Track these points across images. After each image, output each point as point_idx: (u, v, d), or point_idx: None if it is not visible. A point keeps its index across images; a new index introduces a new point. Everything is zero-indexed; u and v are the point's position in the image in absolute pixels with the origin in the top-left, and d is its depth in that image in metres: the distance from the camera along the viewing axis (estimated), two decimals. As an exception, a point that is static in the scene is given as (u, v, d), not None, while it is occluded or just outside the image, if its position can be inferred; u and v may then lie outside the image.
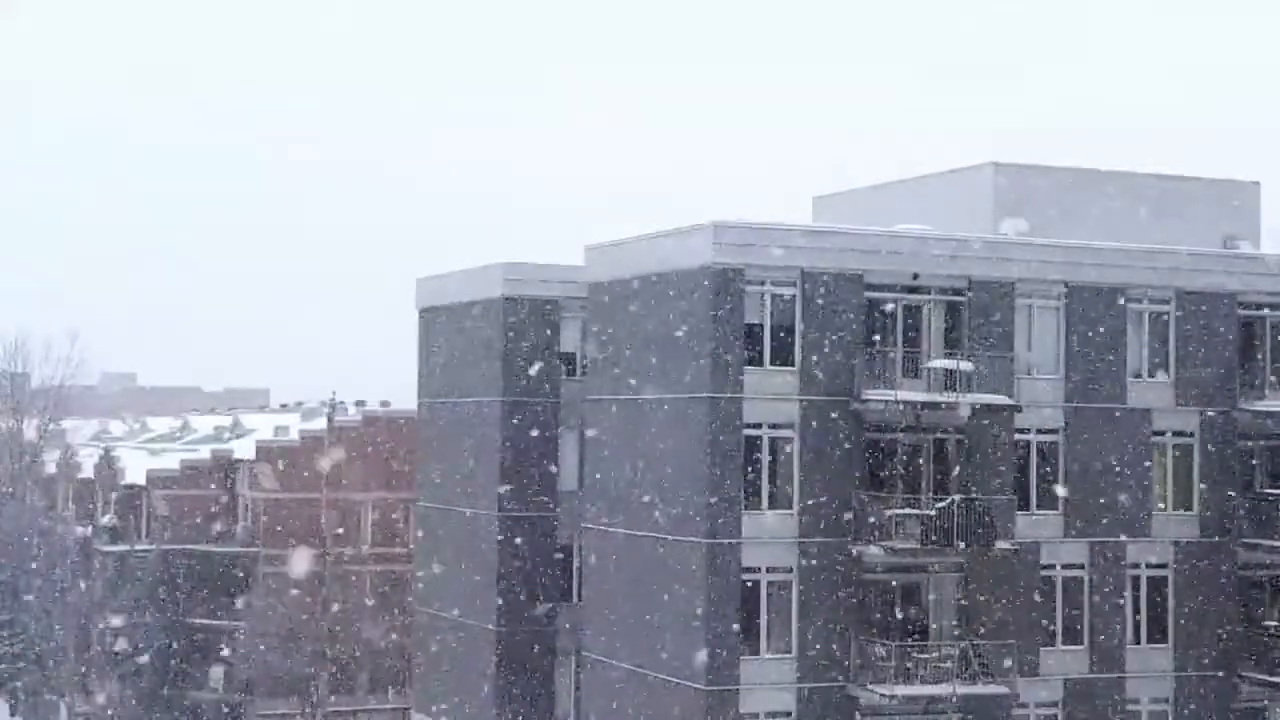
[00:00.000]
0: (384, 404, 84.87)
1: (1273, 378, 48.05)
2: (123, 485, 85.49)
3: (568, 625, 52.59)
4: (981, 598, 44.55)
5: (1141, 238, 47.98)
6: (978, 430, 44.58)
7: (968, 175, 48.98)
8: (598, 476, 48.26)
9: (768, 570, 43.01)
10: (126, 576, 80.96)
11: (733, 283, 42.65)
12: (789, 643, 43.10)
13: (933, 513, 43.02)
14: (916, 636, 44.13)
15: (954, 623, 44.59)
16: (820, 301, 43.32)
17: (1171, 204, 49.95)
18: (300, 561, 74.41)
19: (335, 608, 74.43)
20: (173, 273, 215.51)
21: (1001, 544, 43.50)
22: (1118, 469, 46.18)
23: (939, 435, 44.66)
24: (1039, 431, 45.56)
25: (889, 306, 44.36)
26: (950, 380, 43.42)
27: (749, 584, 42.83)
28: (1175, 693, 46.69)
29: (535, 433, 53.05)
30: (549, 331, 53.39)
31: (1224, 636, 47.00)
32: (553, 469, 53.30)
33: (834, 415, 43.32)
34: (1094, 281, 46.13)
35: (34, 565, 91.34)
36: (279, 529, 78.25)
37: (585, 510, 49.47)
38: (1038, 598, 45.24)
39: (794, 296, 43.32)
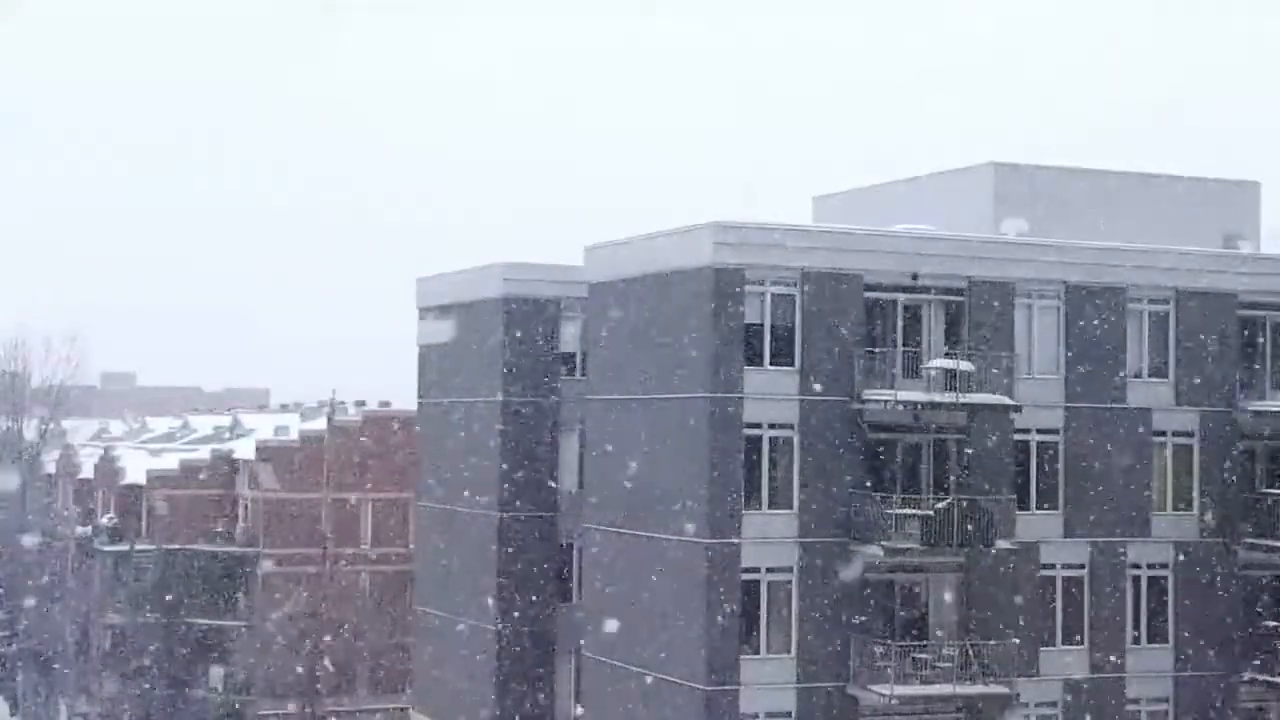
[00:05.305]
0: (384, 404, 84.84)
1: (1273, 377, 48.03)
2: (123, 485, 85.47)
3: (568, 625, 52.57)
4: (981, 598, 44.56)
5: (1141, 238, 47.97)
6: (978, 430, 44.58)
7: (968, 175, 48.98)
8: (598, 476, 48.24)
9: (768, 570, 43.00)
10: (126, 576, 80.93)
11: (733, 283, 42.63)
12: (789, 643, 43.09)
13: (933, 513, 42.99)
14: (916, 636, 44.14)
15: (954, 623, 44.58)
16: (820, 301, 43.31)
17: (1171, 204, 49.93)
18: (300, 561, 74.44)
19: (335, 608, 74.40)
20: (173, 273, 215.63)
21: (1001, 544, 43.49)
22: (1118, 469, 46.17)
23: (939, 435, 44.64)
24: (1039, 431, 45.54)
25: (889, 307, 44.36)
26: (950, 380, 43.38)
27: (749, 584, 42.81)
28: (1175, 693, 46.68)
29: (535, 432, 53.03)
30: (549, 331, 53.33)
31: (1224, 636, 47.00)
32: (553, 469, 53.26)
33: (834, 415, 43.32)
34: (1094, 281, 46.12)
35: (34, 565, 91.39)
36: (279, 529, 78.24)
37: (585, 510, 49.45)
38: (1038, 598, 45.25)
39: (794, 296, 43.30)
